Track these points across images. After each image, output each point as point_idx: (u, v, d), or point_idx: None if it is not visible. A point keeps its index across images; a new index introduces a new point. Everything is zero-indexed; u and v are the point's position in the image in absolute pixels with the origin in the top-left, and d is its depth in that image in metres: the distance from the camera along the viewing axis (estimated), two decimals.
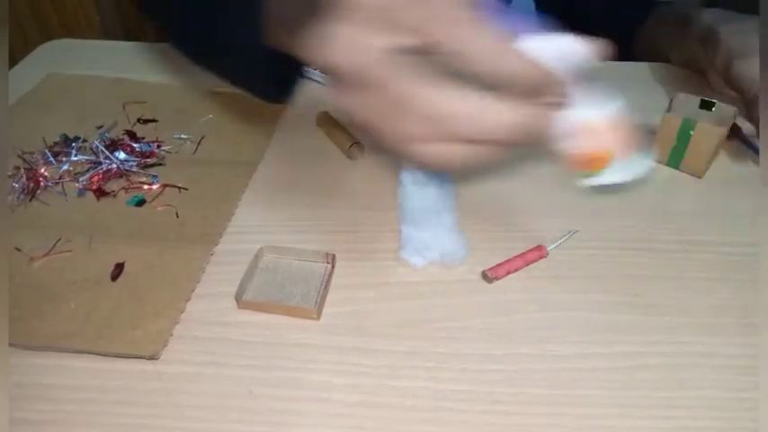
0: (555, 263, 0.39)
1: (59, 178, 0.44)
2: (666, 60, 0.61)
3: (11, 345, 0.32)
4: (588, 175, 0.34)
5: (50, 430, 0.30)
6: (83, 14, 1.24)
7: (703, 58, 0.54)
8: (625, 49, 0.66)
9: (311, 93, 0.55)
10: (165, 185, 0.44)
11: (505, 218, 0.42)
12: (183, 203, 0.42)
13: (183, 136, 0.49)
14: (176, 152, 0.47)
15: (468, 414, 0.30)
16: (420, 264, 0.38)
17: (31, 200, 0.42)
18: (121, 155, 0.46)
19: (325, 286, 0.36)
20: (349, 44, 0.29)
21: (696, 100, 0.47)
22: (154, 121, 0.51)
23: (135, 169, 0.45)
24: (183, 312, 0.35)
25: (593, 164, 0.33)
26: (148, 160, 0.46)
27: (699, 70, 0.57)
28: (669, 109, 0.47)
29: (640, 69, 0.60)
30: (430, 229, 0.38)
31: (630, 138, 0.32)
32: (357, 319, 0.35)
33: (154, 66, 0.59)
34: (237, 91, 0.55)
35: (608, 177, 0.33)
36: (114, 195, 0.43)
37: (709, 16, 0.54)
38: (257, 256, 0.38)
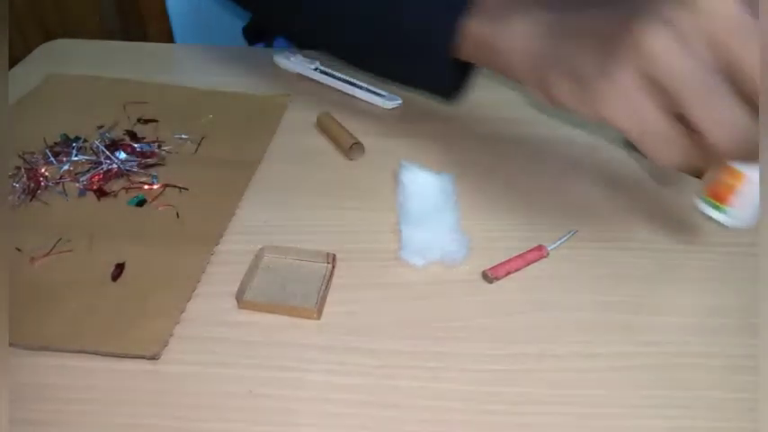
0: (555, 263, 0.39)
1: (60, 178, 0.44)
2: None
3: (11, 345, 0.32)
4: (711, 205, 0.35)
5: (50, 430, 0.30)
6: (83, 14, 1.24)
7: None
8: None
9: (310, 93, 0.55)
10: (165, 185, 0.44)
11: (505, 218, 0.42)
12: (184, 203, 0.42)
13: (183, 136, 0.49)
14: (177, 152, 0.47)
15: (468, 414, 0.30)
16: (420, 264, 0.38)
17: (31, 200, 0.42)
18: (122, 155, 0.46)
19: (326, 286, 0.36)
20: (626, 104, 0.33)
21: None
22: (154, 121, 0.51)
23: (135, 169, 0.45)
24: (183, 312, 0.35)
25: (720, 199, 0.35)
26: (149, 160, 0.46)
27: None
28: None
29: None
30: (430, 230, 0.38)
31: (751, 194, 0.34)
32: (357, 319, 0.35)
33: (154, 66, 0.60)
34: (238, 91, 0.55)
35: (723, 216, 0.35)
36: (115, 195, 0.43)
37: None
38: (258, 256, 0.38)
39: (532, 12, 0.39)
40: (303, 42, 0.58)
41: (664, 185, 0.39)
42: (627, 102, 0.33)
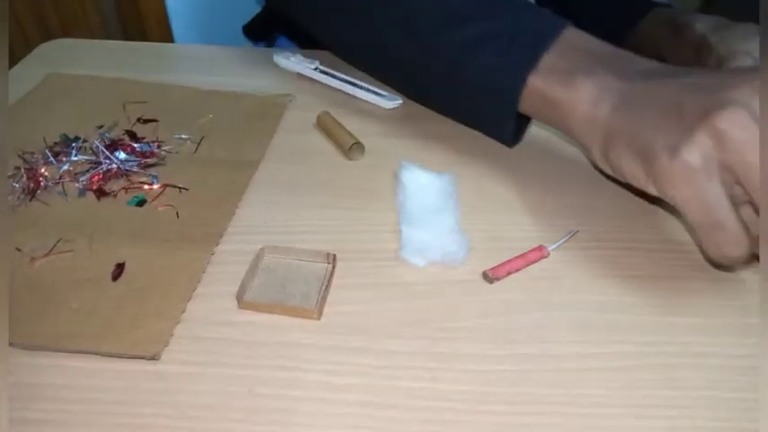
0: (555, 263, 0.39)
1: (60, 178, 0.44)
2: (654, 57, 0.61)
3: (11, 345, 0.32)
4: None
5: (50, 430, 0.30)
6: (83, 14, 1.24)
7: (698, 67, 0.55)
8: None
9: (310, 93, 0.56)
10: (165, 185, 0.44)
11: (505, 218, 0.42)
12: (184, 203, 0.42)
13: (183, 136, 0.49)
14: (177, 152, 0.47)
15: (468, 414, 0.30)
16: (421, 264, 0.38)
17: (31, 200, 0.42)
18: (122, 155, 0.46)
19: (326, 286, 0.36)
20: (692, 186, 0.33)
21: None
22: (154, 120, 0.51)
23: (135, 169, 0.45)
24: (183, 312, 0.35)
25: None
26: (149, 160, 0.46)
27: None
28: None
29: None
30: (430, 230, 0.38)
31: None
32: (358, 319, 0.35)
33: (154, 66, 0.59)
34: (238, 91, 0.55)
35: None
36: (115, 195, 0.43)
37: (702, 26, 0.55)
38: (258, 256, 0.38)
39: (598, 75, 0.39)
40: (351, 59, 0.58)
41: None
42: (693, 184, 0.33)
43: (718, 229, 0.33)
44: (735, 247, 0.33)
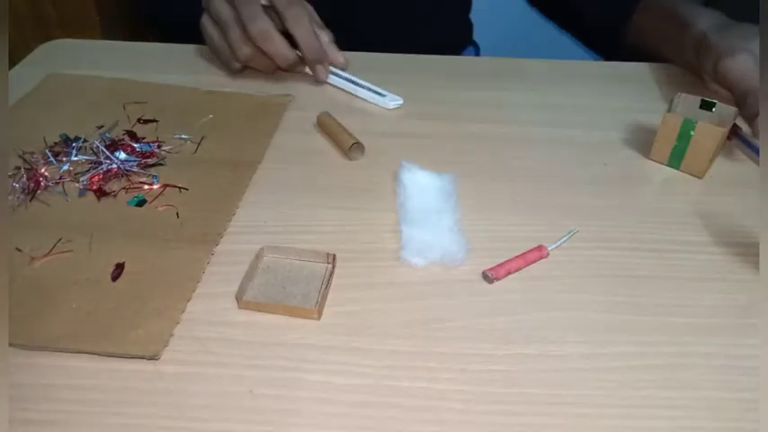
0: (555, 263, 0.39)
1: (60, 178, 0.44)
2: (657, 52, 0.61)
3: (11, 345, 0.32)
4: None
5: (50, 430, 0.30)
6: (83, 14, 1.23)
7: (697, 65, 0.55)
8: (614, 38, 0.66)
9: (310, 93, 0.56)
10: (165, 186, 0.44)
11: (505, 218, 0.42)
12: (184, 204, 0.42)
13: (183, 136, 0.49)
14: (177, 152, 0.47)
15: (468, 414, 0.30)
16: (421, 264, 0.38)
17: (31, 200, 0.42)
18: (122, 155, 0.46)
19: (326, 286, 0.36)
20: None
21: (696, 100, 0.47)
22: (154, 121, 0.51)
23: (135, 169, 0.45)
24: (183, 312, 0.35)
25: None
26: (149, 160, 0.46)
27: (696, 76, 0.57)
28: (669, 109, 0.47)
29: (640, 69, 0.60)
30: (430, 230, 0.38)
31: None
32: (358, 319, 0.35)
33: (154, 66, 0.59)
34: (238, 91, 0.55)
35: None
36: (115, 195, 0.43)
37: (703, 22, 0.55)
38: (258, 256, 0.38)
39: None
40: None
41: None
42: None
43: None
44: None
